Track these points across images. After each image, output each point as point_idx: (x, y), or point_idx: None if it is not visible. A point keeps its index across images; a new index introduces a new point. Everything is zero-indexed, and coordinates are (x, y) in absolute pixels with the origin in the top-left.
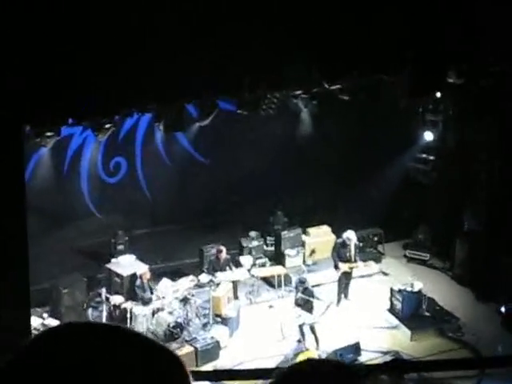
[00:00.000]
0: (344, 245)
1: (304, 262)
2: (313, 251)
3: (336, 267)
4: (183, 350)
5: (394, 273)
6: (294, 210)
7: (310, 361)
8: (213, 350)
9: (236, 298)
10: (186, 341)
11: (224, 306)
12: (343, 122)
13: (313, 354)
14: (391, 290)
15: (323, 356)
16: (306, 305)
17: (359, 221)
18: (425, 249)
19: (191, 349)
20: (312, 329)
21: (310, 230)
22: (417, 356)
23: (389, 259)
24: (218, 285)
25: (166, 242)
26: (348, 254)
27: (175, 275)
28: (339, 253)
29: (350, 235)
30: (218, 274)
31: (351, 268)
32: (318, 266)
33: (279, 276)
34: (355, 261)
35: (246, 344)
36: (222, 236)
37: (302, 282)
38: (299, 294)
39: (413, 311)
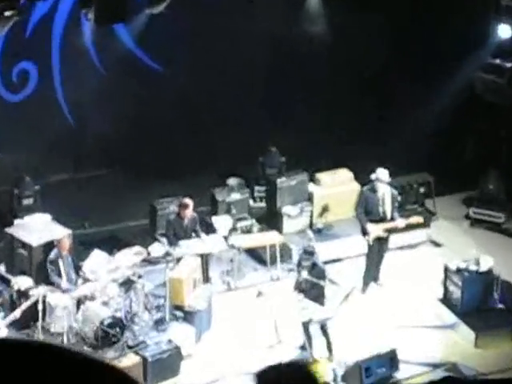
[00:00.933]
0: (374, 195)
1: (312, 224)
2: (325, 208)
3: (363, 232)
4: (124, 362)
5: (451, 243)
6: (295, 146)
7: None
8: (170, 362)
9: (207, 280)
10: (129, 347)
11: (188, 294)
12: (379, 13)
13: (323, 366)
14: (446, 268)
15: (339, 370)
16: (313, 291)
17: (398, 163)
18: (497, 206)
19: (136, 359)
20: (323, 328)
21: (321, 176)
22: (483, 371)
23: (442, 222)
24: (178, 260)
25: (98, 195)
26: (381, 209)
27: (112, 245)
28: (368, 208)
29: (383, 176)
30: (180, 243)
31: (388, 231)
32: (333, 230)
33: (273, 247)
34: (393, 218)
35: (220, 352)
36: (185, 185)
37: (308, 254)
38: (304, 275)
39: (479, 302)
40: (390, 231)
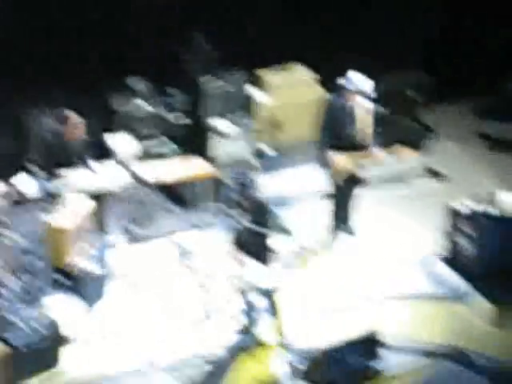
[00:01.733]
0: (343, 108)
1: (255, 149)
2: (275, 124)
3: (325, 164)
4: None
5: (459, 174)
6: (231, 33)
7: None
8: (47, 346)
9: (101, 229)
10: None
11: (74, 250)
12: None
13: (272, 354)
14: (452, 212)
15: (297, 361)
16: (256, 246)
17: (381, 56)
18: None
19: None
20: (271, 300)
21: (268, 75)
22: (505, 360)
23: (446, 143)
24: (59, 201)
25: None
26: (353, 131)
27: None
28: (336, 126)
29: (358, 84)
30: (62, 175)
31: (363, 165)
32: (286, 157)
33: (198, 181)
34: (368, 147)
35: (119, 332)
36: (68, 90)
37: (247, 190)
38: (243, 222)
39: (501, 262)
40: (365, 165)
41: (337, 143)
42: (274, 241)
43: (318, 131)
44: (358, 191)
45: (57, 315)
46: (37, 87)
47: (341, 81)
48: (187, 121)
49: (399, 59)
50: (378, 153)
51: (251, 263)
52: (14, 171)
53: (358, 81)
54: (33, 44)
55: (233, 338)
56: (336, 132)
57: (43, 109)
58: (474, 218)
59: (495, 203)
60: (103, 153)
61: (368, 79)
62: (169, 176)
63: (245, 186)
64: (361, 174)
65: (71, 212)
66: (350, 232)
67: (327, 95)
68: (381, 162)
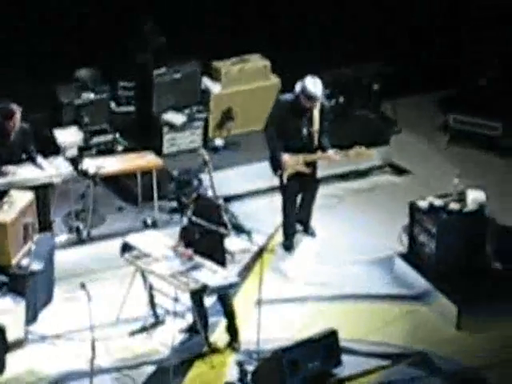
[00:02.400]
0: (296, 110)
1: (207, 140)
2: (227, 115)
3: (274, 164)
4: None
5: (420, 168)
6: (183, 19)
7: None
8: None
9: (45, 226)
10: None
11: (16, 248)
12: None
13: (225, 358)
14: (412, 208)
15: (249, 364)
16: (208, 243)
17: (339, 45)
18: (490, 111)
19: None
20: (223, 300)
21: (221, 66)
22: (469, 364)
23: (407, 136)
24: (1, 196)
25: None
26: (305, 131)
27: None
28: (285, 128)
29: (314, 91)
30: (3, 169)
31: (312, 165)
32: (239, 149)
33: (147, 175)
34: (322, 147)
35: (66, 337)
36: (11, 81)
37: (193, 182)
38: (190, 217)
39: (463, 259)
40: (313, 165)
41: (287, 143)
42: (228, 239)
43: (266, 131)
44: (315, 193)
45: None
46: None
47: (296, 87)
48: (138, 113)
49: (360, 51)
50: (333, 155)
51: (203, 262)
52: None
53: (315, 89)
54: None
55: (183, 341)
56: (287, 131)
57: None
58: (435, 213)
59: (458, 198)
60: (47, 146)
61: (320, 85)
62: (117, 169)
63: (182, 184)
64: (311, 173)
65: (12, 206)
66: (311, 232)
67: (281, 95)
68: (335, 162)
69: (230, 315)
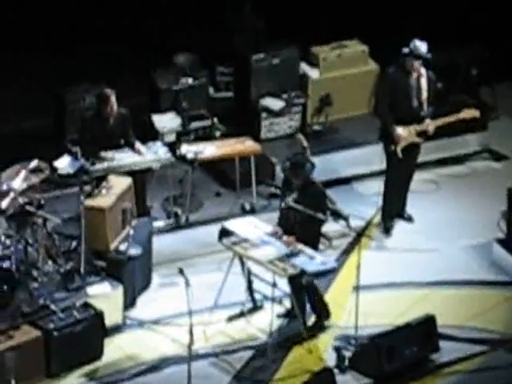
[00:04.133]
0: (405, 79)
1: (305, 126)
2: (326, 101)
3: (387, 137)
4: (17, 337)
5: None
6: (281, 4)
7: None
8: (87, 337)
9: (143, 212)
10: (24, 315)
11: (114, 233)
12: None
13: (324, 344)
14: (510, 192)
15: (346, 349)
16: (306, 228)
17: (435, 30)
18: None
19: (35, 333)
20: (311, 286)
21: (320, 51)
22: None
23: (507, 121)
24: (99, 181)
25: None
26: (415, 102)
27: None
28: (396, 100)
29: (421, 50)
30: (102, 155)
31: (423, 135)
32: (337, 135)
33: (245, 161)
34: (424, 117)
35: (165, 323)
36: (108, 66)
37: (297, 168)
38: (289, 202)
39: None
40: (424, 135)
41: (397, 115)
42: (327, 224)
43: (377, 104)
44: (414, 171)
45: (96, 302)
46: (78, 64)
47: (404, 49)
48: (236, 99)
49: (459, 34)
50: (443, 119)
51: (301, 248)
52: (56, 152)
53: (421, 48)
54: (76, 20)
55: (281, 327)
56: (397, 103)
57: (84, 87)
58: None
59: None
60: (145, 131)
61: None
62: (215, 154)
63: (297, 166)
64: (419, 144)
65: (110, 192)
66: (408, 217)
67: (388, 67)
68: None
69: (325, 300)
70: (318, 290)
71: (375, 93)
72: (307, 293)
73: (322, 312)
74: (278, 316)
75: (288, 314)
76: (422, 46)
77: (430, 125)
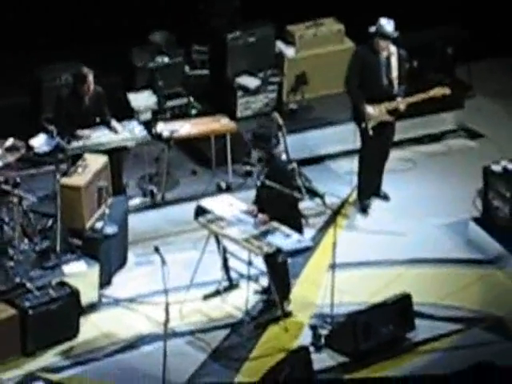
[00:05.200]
0: (374, 58)
1: (281, 104)
2: (301, 79)
3: (358, 115)
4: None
5: (495, 132)
6: None
7: None
8: (63, 316)
9: (119, 190)
10: (0, 292)
11: (90, 211)
12: None
13: (299, 322)
14: (486, 172)
15: (321, 327)
16: (281, 207)
17: (412, 9)
18: None
19: (11, 312)
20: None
21: (295, 29)
22: None
23: (482, 100)
24: (75, 160)
25: None
26: (385, 80)
27: None
28: (365, 78)
29: (388, 29)
30: (78, 133)
31: (394, 113)
32: (313, 113)
33: (221, 138)
34: (396, 95)
35: (139, 301)
36: (85, 45)
37: (259, 138)
38: (263, 180)
39: None
40: (396, 113)
41: (368, 93)
42: (302, 202)
43: (347, 83)
44: (389, 149)
45: (72, 280)
46: (54, 43)
47: (371, 28)
48: (212, 77)
49: (435, 13)
50: (413, 97)
51: (277, 226)
52: (32, 130)
53: (388, 26)
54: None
55: (257, 305)
56: (367, 81)
57: (60, 65)
58: (508, 177)
59: None
60: (121, 110)
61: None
62: (190, 132)
63: (260, 138)
64: (392, 122)
65: (86, 170)
66: (384, 195)
67: (358, 46)
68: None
69: (301, 278)
70: (288, 271)
71: (346, 72)
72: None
73: (283, 294)
74: (255, 293)
75: (264, 292)
76: (388, 25)
77: (400, 103)
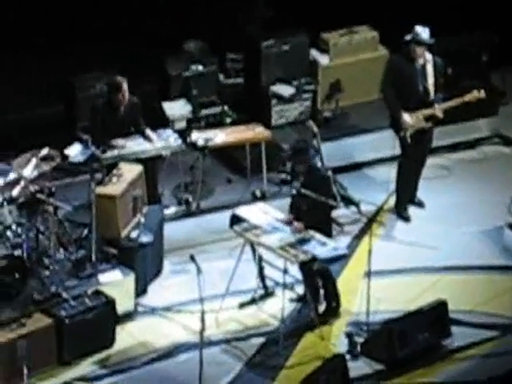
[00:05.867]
0: (410, 65)
1: (315, 112)
2: (336, 87)
3: (395, 123)
4: (29, 325)
5: None
6: None
7: None
8: (99, 325)
9: (154, 199)
10: (36, 302)
11: (125, 220)
12: None
13: (336, 330)
14: None
15: (357, 335)
16: (316, 214)
17: (444, 16)
18: None
19: (47, 321)
20: (326, 273)
21: (330, 37)
22: None
23: None
24: (110, 169)
25: None
26: (421, 87)
27: (5, 148)
28: (400, 86)
29: (424, 36)
30: (113, 142)
31: (431, 119)
32: (348, 121)
33: (256, 147)
34: (432, 102)
35: (176, 310)
36: (117, 53)
37: (304, 154)
38: (297, 187)
39: None
40: (434, 120)
41: (403, 101)
42: (337, 210)
43: (383, 92)
44: (426, 156)
45: (108, 289)
46: (89, 52)
47: (406, 36)
48: (247, 85)
49: (469, 19)
50: (450, 103)
51: (313, 234)
52: (67, 140)
53: (423, 34)
54: (85, 4)
55: (293, 313)
56: (403, 90)
57: (95, 74)
58: None
59: None
60: (156, 119)
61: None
62: (225, 141)
63: (299, 152)
64: (429, 129)
65: (121, 179)
66: (419, 202)
67: (392, 55)
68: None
69: (330, 287)
70: (331, 276)
71: (381, 81)
72: (321, 278)
73: (333, 299)
74: (291, 301)
75: (300, 300)
76: (424, 32)
77: (437, 109)
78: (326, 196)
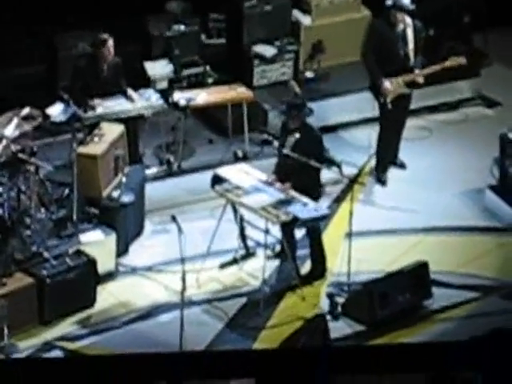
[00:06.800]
0: (390, 30)
1: (297, 73)
2: (318, 47)
3: (375, 88)
4: (10, 284)
5: (509, 99)
6: None
7: None
8: (80, 285)
9: (136, 159)
10: (17, 262)
11: (107, 180)
12: None
13: (317, 290)
14: (503, 139)
15: (338, 296)
16: (301, 177)
17: None
18: None
19: (28, 280)
20: (314, 232)
21: None
22: None
23: (498, 68)
24: (92, 128)
25: None
26: (401, 52)
27: None
28: (382, 51)
29: (404, 1)
30: (95, 102)
31: (411, 85)
32: (330, 82)
33: (237, 107)
34: (413, 67)
35: (156, 269)
36: (99, 13)
37: (293, 107)
38: (286, 150)
39: None
40: (413, 85)
41: (384, 66)
42: (321, 171)
43: (364, 57)
44: (406, 119)
45: (89, 249)
46: (70, 12)
47: (388, 1)
48: (229, 45)
49: None
50: (430, 69)
51: (294, 194)
52: (48, 99)
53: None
54: None
55: (274, 273)
56: (384, 55)
57: (77, 33)
58: None
59: None
60: (137, 78)
61: None
62: (207, 101)
63: (293, 108)
64: (409, 94)
65: (103, 139)
66: (400, 163)
67: (373, 20)
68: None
69: (317, 247)
70: (319, 237)
71: (362, 46)
72: (310, 237)
73: (319, 260)
74: (269, 257)
75: (278, 255)
76: None
77: (417, 75)
78: (318, 156)
